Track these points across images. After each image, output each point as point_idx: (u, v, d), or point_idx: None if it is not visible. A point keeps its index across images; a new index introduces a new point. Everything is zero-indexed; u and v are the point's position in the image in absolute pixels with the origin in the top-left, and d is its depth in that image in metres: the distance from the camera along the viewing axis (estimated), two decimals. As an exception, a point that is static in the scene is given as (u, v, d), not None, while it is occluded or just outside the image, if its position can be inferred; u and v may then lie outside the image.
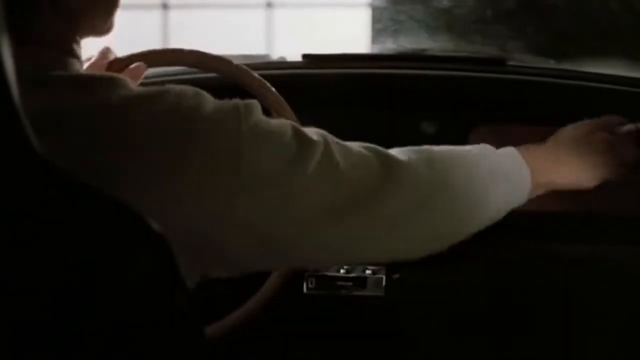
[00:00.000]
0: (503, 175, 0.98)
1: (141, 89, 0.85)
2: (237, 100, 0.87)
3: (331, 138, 0.91)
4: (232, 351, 1.45)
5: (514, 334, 1.66)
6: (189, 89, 0.85)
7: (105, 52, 1.25)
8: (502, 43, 2.16)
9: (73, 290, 0.68)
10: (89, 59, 1.25)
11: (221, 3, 7.17)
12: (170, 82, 1.67)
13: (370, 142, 1.64)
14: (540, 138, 1.61)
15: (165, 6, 7.42)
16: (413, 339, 1.67)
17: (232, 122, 0.83)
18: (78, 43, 0.92)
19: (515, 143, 1.64)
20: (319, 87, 1.65)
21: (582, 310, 1.63)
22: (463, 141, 1.61)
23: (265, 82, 1.33)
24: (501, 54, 2.06)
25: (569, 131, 1.08)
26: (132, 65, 1.24)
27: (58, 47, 0.88)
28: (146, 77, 1.64)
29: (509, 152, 0.99)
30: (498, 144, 1.61)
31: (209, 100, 0.85)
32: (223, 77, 1.34)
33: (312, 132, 0.91)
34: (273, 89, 1.33)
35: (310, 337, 1.60)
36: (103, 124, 0.80)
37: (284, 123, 0.90)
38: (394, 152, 0.92)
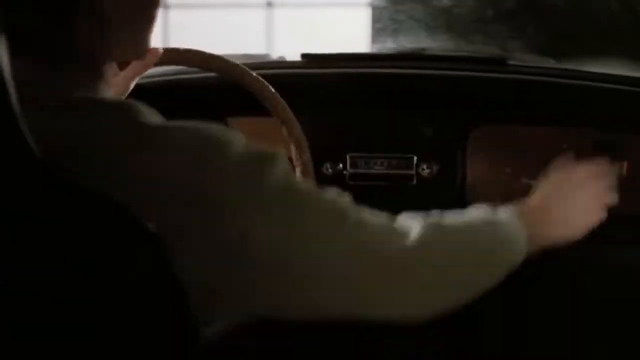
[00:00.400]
0: (505, 245, 0.99)
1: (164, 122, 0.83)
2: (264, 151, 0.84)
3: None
4: (232, 351, 1.45)
5: (513, 333, 1.66)
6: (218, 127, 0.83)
7: None
8: (503, 42, 2.16)
9: (72, 290, 0.68)
10: None
11: (221, 3, 7.17)
12: (170, 81, 1.68)
13: (370, 141, 1.65)
14: (540, 139, 1.61)
15: (165, 6, 7.42)
16: (413, 337, 1.67)
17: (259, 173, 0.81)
18: (110, 65, 0.89)
19: (515, 143, 1.65)
20: (319, 87, 1.65)
21: (582, 310, 1.63)
22: (463, 141, 1.61)
23: (265, 82, 1.33)
24: (501, 53, 2.06)
25: (553, 183, 1.08)
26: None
27: (91, 68, 0.86)
28: (147, 77, 1.64)
29: (509, 220, 0.99)
30: (498, 145, 1.61)
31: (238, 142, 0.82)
32: (223, 77, 1.34)
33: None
34: (272, 89, 1.33)
35: (309, 336, 1.60)
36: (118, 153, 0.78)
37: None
38: (406, 223, 0.89)
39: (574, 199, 1.07)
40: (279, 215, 0.80)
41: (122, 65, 1.21)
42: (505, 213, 1.00)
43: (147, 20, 0.89)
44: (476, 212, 0.99)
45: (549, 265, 1.64)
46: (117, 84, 1.22)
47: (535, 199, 1.06)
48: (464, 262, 0.94)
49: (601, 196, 1.09)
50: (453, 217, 0.95)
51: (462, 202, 1.60)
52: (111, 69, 0.90)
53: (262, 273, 0.78)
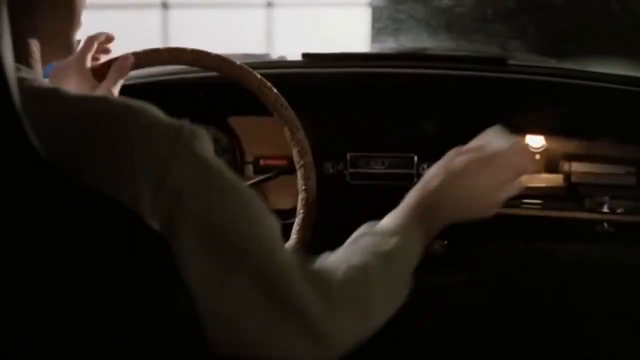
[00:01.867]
0: (404, 267, 1.01)
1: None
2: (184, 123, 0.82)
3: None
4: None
5: (513, 333, 1.66)
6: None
7: (90, 40, 1.24)
8: (503, 42, 2.16)
9: (73, 289, 0.68)
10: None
11: (221, 2, 7.17)
12: (170, 81, 1.68)
13: (371, 141, 1.65)
14: (540, 140, 1.61)
15: (165, 5, 7.42)
16: (413, 337, 1.67)
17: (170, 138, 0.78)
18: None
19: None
20: (319, 86, 1.65)
21: (581, 310, 1.63)
22: (463, 141, 1.61)
23: (266, 81, 1.33)
24: (501, 53, 2.06)
25: (458, 168, 1.08)
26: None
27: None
28: (147, 77, 1.64)
29: (403, 239, 1.01)
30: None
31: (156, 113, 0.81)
32: (224, 76, 1.34)
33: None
34: (274, 89, 1.33)
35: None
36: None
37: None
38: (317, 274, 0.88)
39: (473, 187, 1.07)
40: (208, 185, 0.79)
41: (99, 77, 1.21)
42: (399, 228, 1.01)
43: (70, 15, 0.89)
44: (371, 246, 0.98)
45: (548, 265, 1.64)
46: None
47: (432, 188, 1.06)
48: (375, 305, 0.94)
49: (502, 185, 1.08)
50: (351, 265, 0.93)
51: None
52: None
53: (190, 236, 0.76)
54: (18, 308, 0.67)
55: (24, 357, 0.67)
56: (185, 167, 0.77)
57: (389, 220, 1.04)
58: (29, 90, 0.77)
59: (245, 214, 0.80)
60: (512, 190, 1.07)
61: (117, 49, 1.29)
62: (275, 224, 0.83)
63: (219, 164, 0.82)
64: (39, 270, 0.67)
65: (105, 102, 0.81)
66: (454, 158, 1.09)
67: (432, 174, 1.09)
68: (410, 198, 1.06)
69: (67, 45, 0.92)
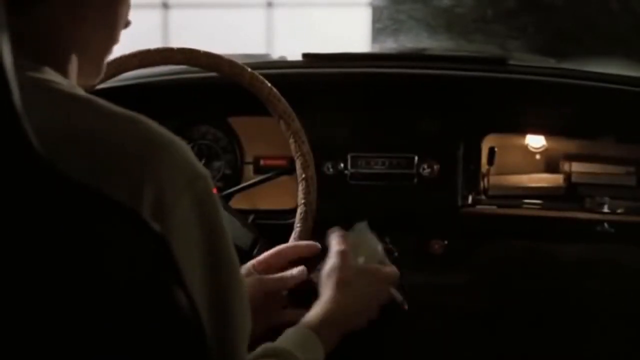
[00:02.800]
0: None
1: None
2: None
3: None
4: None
5: (513, 333, 1.66)
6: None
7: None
8: (503, 42, 2.16)
9: (73, 290, 0.68)
10: None
11: (221, 2, 7.17)
12: (170, 81, 1.68)
13: (371, 141, 1.65)
14: (540, 140, 1.61)
15: (165, 5, 7.42)
16: (412, 337, 1.67)
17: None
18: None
19: (515, 143, 1.65)
20: (319, 86, 1.65)
21: (581, 310, 1.63)
22: (464, 141, 1.61)
23: (276, 91, 1.33)
24: (501, 53, 2.06)
25: (338, 287, 1.15)
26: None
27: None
28: (147, 77, 1.65)
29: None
30: (499, 144, 1.61)
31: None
32: (224, 76, 1.34)
33: None
34: (283, 99, 1.33)
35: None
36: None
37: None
38: None
39: (359, 302, 1.16)
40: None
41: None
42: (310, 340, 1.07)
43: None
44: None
45: (548, 265, 1.64)
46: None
47: (328, 309, 1.13)
48: None
49: (380, 298, 1.19)
50: None
51: (462, 202, 1.61)
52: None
53: None
54: (17, 308, 0.67)
55: (22, 358, 0.67)
56: (189, 208, 0.77)
57: (291, 342, 1.07)
58: (66, 96, 0.78)
59: (214, 284, 0.81)
60: (386, 296, 1.20)
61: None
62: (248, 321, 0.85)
63: (222, 226, 0.81)
64: (38, 270, 0.67)
65: (141, 126, 0.79)
66: (334, 272, 1.16)
67: (326, 287, 1.16)
68: (311, 316, 1.12)
69: (100, 65, 0.91)
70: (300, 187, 1.33)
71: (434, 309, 1.66)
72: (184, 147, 0.79)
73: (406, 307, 1.26)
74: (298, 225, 1.33)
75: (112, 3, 0.89)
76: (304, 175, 1.33)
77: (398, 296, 1.23)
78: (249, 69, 1.33)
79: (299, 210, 1.34)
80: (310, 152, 1.34)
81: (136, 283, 0.70)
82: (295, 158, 1.34)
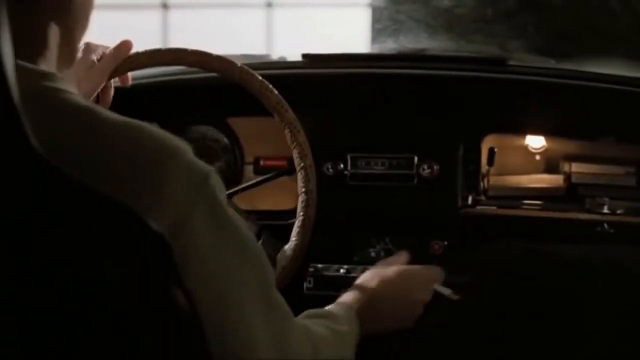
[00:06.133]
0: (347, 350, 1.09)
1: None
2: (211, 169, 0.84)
3: None
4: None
5: (513, 333, 1.66)
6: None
7: (88, 49, 1.26)
8: (503, 42, 2.16)
9: (73, 290, 0.68)
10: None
11: (221, 3, 7.17)
12: (170, 81, 1.68)
13: (371, 142, 1.65)
14: (540, 140, 1.61)
15: (165, 6, 7.42)
16: (413, 337, 1.67)
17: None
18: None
19: (515, 143, 1.65)
20: (319, 87, 1.65)
21: (581, 310, 1.63)
22: (464, 141, 1.61)
23: (267, 83, 1.33)
24: (501, 53, 2.06)
25: (383, 280, 1.21)
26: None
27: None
28: (147, 77, 1.65)
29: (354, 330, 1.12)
30: (499, 144, 1.61)
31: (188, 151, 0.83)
32: (224, 77, 1.34)
33: None
34: (275, 91, 1.33)
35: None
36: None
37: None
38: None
39: (399, 299, 1.22)
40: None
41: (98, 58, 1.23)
42: (344, 318, 1.10)
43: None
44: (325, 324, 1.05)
45: (548, 265, 1.64)
46: (93, 76, 1.23)
47: (366, 295, 1.18)
48: None
49: (422, 296, 1.24)
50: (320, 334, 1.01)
51: (462, 203, 1.61)
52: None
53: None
54: (17, 308, 0.67)
55: (22, 358, 0.67)
56: (206, 213, 0.80)
57: (333, 310, 1.13)
58: (68, 105, 0.79)
59: (246, 263, 0.85)
60: (424, 303, 1.24)
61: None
62: (270, 275, 0.89)
63: (232, 214, 0.86)
64: (38, 271, 0.67)
65: (147, 134, 0.81)
66: (386, 267, 1.23)
67: (367, 279, 1.22)
68: (348, 297, 1.17)
69: (73, 54, 0.93)
70: (300, 176, 1.33)
71: (434, 309, 1.66)
72: (188, 150, 0.82)
73: (456, 297, 1.27)
74: (301, 213, 1.33)
75: (88, 11, 0.91)
76: (302, 164, 1.32)
77: (445, 290, 1.27)
78: (239, 64, 1.33)
79: (300, 199, 1.33)
80: (307, 141, 1.33)
81: (136, 282, 0.70)
82: (292, 148, 1.33)
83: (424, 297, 1.24)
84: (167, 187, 0.78)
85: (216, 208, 0.82)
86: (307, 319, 1.04)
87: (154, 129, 0.81)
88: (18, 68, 0.64)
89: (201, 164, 0.82)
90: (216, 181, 0.83)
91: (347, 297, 1.17)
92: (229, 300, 0.83)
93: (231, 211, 0.85)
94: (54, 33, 0.86)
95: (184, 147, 0.81)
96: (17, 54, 0.65)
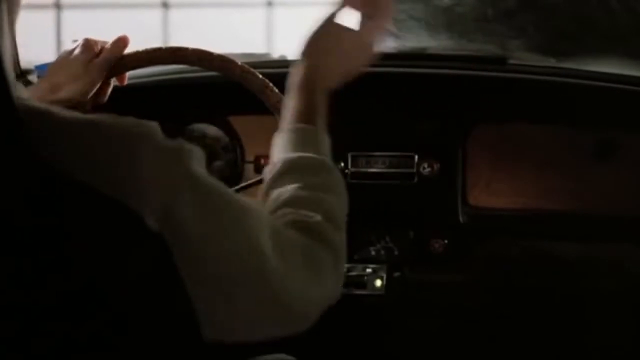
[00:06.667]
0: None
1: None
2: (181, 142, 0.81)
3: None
4: (231, 350, 1.46)
5: (513, 333, 1.66)
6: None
7: (87, 44, 1.25)
8: (503, 41, 2.16)
9: (73, 290, 0.68)
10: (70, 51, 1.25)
11: (222, 2, 7.17)
12: (171, 80, 1.68)
13: (372, 140, 1.65)
14: (540, 137, 1.62)
15: (165, 5, 7.42)
16: (413, 337, 1.67)
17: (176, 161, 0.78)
18: None
19: (515, 142, 1.65)
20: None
21: (581, 310, 1.63)
22: (464, 140, 1.61)
23: (268, 81, 1.33)
24: (502, 52, 2.06)
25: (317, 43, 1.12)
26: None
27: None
28: (147, 76, 1.65)
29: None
30: (499, 143, 1.61)
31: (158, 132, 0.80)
32: (225, 76, 1.34)
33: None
34: (275, 90, 1.33)
35: (310, 336, 1.60)
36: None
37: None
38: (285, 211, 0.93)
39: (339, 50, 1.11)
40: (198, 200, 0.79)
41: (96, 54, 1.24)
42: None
43: None
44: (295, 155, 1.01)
45: (548, 265, 1.64)
46: (91, 72, 1.23)
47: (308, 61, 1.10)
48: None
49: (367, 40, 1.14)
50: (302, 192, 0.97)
51: (462, 201, 1.61)
52: None
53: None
54: (17, 308, 0.67)
55: (21, 358, 0.67)
56: (188, 195, 0.77)
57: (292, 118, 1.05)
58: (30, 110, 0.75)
59: (237, 225, 0.82)
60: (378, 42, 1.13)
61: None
62: (261, 218, 0.86)
63: (211, 179, 0.82)
64: (38, 271, 0.67)
65: (105, 126, 0.78)
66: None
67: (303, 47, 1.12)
68: (295, 79, 1.08)
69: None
70: None
71: (434, 308, 1.66)
72: (156, 130, 0.78)
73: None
74: None
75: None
76: None
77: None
78: (239, 62, 1.33)
79: None
80: None
81: (135, 282, 0.70)
82: None
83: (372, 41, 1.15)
84: (145, 172, 0.75)
85: (197, 184, 0.79)
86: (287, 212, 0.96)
87: (110, 118, 0.78)
88: None
89: (171, 142, 0.79)
90: (190, 154, 0.80)
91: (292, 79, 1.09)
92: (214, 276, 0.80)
93: (208, 176, 0.82)
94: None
95: (151, 129, 0.78)
96: None
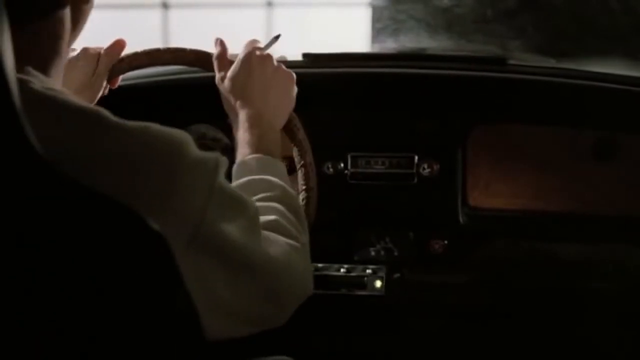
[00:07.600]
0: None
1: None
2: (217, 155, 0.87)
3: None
4: (231, 350, 1.45)
5: (513, 333, 1.66)
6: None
7: (87, 56, 1.25)
8: (503, 42, 2.16)
9: (73, 290, 0.68)
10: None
11: (221, 2, 7.17)
12: (170, 81, 1.68)
13: (371, 141, 1.65)
14: (540, 138, 1.62)
15: (165, 5, 7.42)
16: (413, 337, 1.67)
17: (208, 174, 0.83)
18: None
19: (515, 142, 1.65)
20: (319, 86, 1.65)
21: (581, 310, 1.63)
22: (464, 140, 1.61)
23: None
24: (501, 53, 2.06)
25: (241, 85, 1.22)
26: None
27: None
28: (147, 77, 1.65)
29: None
30: (498, 143, 1.61)
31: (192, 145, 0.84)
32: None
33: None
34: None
35: (310, 336, 1.60)
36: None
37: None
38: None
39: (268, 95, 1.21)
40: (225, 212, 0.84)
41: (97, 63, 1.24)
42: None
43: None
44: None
45: (548, 265, 1.64)
46: (95, 83, 1.23)
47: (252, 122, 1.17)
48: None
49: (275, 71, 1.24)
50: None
51: (462, 202, 1.61)
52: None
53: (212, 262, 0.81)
54: (17, 308, 0.67)
55: (22, 357, 0.67)
56: (216, 208, 0.82)
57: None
58: (77, 110, 0.78)
59: (255, 234, 0.90)
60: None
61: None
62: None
63: (234, 190, 0.89)
64: (38, 271, 0.67)
65: (152, 134, 0.80)
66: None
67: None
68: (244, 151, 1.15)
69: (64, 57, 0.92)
70: (300, 174, 1.33)
71: (434, 309, 1.66)
72: (189, 140, 0.82)
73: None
74: None
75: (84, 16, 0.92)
76: (302, 162, 1.32)
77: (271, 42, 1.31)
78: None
79: (300, 197, 1.33)
80: (307, 139, 1.34)
81: (135, 282, 0.70)
82: (292, 146, 1.33)
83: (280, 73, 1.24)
84: (179, 182, 0.78)
85: (224, 196, 0.84)
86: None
87: (158, 127, 0.80)
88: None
89: (206, 154, 0.83)
90: (222, 167, 0.85)
91: (243, 140, 1.16)
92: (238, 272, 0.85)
93: (231, 188, 0.88)
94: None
95: (186, 138, 0.81)
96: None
